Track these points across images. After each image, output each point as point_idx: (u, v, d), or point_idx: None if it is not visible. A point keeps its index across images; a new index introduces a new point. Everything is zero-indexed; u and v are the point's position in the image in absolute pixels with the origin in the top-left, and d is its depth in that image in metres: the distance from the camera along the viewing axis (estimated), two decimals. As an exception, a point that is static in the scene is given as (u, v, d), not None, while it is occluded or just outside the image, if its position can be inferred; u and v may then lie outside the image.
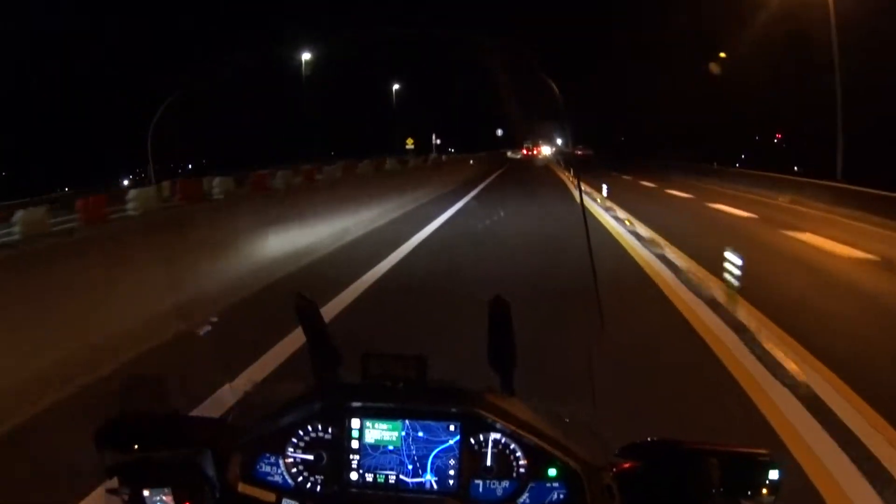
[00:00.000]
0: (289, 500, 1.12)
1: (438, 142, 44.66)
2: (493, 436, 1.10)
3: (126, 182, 23.89)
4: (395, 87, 49.73)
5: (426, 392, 1.13)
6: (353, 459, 1.13)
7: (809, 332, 5.06)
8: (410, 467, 1.12)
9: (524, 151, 64.33)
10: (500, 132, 50.18)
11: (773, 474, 1.03)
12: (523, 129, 60.03)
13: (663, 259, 8.13)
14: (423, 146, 43.67)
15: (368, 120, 55.62)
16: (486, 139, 62.04)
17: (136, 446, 1.13)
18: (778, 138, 46.80)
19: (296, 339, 4.25)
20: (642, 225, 10.96)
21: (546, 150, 61.40)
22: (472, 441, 1.10)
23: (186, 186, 18.70)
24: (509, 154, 63.49)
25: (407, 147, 39.23)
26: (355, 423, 1.13)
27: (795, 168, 31.84)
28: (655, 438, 1.12)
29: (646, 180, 25.79)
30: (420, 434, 1.12)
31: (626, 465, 1.06)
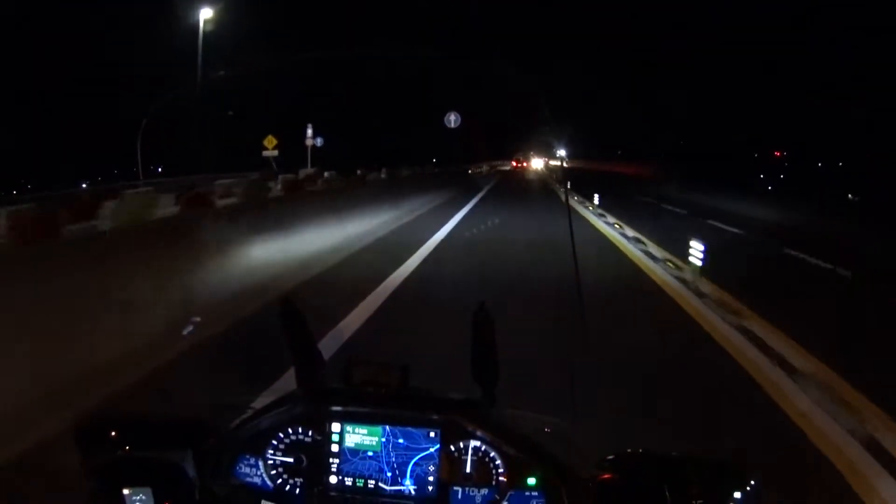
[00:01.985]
0: (267, 503, 1.12)
1: (318, 142, 23.76)
2: (473, 443, 1.10)
3: (84, 185, 20.55)
4: (206, 13, 19.65)
5: (407, 399, 1.14)
6: (332, 463, 1.13)
7: None
8: (390, 474, 1.12)
9: (514, 163, 57.63)
10: (453, 118, 25.21)
11: (752, 484, 1.02)
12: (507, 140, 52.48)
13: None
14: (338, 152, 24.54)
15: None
16: (427, 137, 35.25)
17: (118, 446, 1.14)
18: (777, 156, 44.99)
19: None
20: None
21: (537, 164, 52.04)
22: (452, 448, 1.11)
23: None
24: (471, 171, 34.74)
25: (266, 153, 21.25)
26: (336, 427, 1.14)
27: (850, 196, 23.66)
28: (638, 450, 1.11)
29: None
30: (400, 441, 1.12)
31: (606, 476, 1.06)
